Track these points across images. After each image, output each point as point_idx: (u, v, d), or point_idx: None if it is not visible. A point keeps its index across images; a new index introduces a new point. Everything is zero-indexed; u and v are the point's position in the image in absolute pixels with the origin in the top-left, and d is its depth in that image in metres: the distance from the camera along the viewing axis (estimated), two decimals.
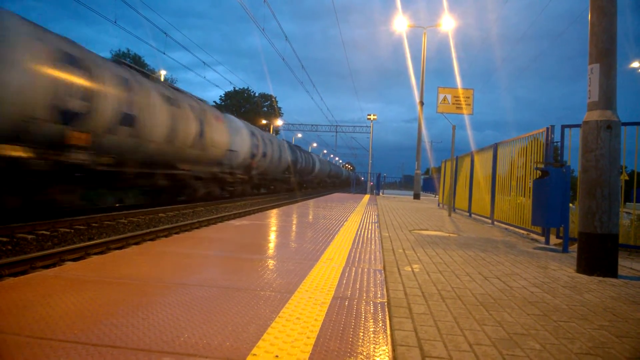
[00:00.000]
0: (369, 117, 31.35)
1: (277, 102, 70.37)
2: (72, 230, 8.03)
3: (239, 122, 20.47)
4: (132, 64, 12.75)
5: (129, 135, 10.95)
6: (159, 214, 11.70)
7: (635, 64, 20.65)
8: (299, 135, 64.22)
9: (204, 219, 11.22)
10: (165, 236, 8.48)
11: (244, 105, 63.71)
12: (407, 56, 21.44)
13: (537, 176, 4.99)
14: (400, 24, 18.87)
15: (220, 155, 17.17)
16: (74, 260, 5.87)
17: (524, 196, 6.28)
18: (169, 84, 16.22)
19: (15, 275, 4.92)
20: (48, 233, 7.49)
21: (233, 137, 18.40)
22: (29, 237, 7.04)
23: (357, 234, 5.18)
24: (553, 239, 5.43)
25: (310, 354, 1.59)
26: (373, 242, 4.54)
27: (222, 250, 3.82)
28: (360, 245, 4.27)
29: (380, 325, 1.94)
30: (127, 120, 10.71)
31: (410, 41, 21.44)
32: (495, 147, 7.97)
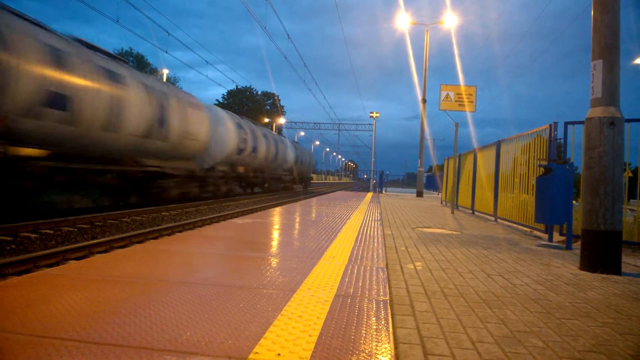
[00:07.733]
0: (371, 114, 31.36)
1: (279, 100, 70.38)
2: (76, 229, 8.05)
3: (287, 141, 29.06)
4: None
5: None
6: (162, 213, 11.73)
7: (638, 60, 20.50)
8: (302, 133, 64.29)
9: (207, 217, 11.24)
10: (169, 235, 8.49)
11: (246, 103, 63.74)
12: (410, 53, 21.37)
13: (540, 173, 4.97)
14: (403, 21, 18.83)
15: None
16: (77, 259, 5.89)
17: (527, 193, 6.26)
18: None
19: (18, 274, 4.94)
20: (51, 232, 7.51)
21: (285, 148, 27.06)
22: (33, 236, 7.07)
23: (359, 231, 5.18)
24: (556, 236, 5.41)
25: (313, 352, 1.59)
26: (376, 240, 4.54)
27: (225, 249, 3.83)
28: (362, 243, 4.27)
29: (383, 323, 1.94)
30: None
31: (410, 39, 21.36)
32: (498, 145, 7.94)
